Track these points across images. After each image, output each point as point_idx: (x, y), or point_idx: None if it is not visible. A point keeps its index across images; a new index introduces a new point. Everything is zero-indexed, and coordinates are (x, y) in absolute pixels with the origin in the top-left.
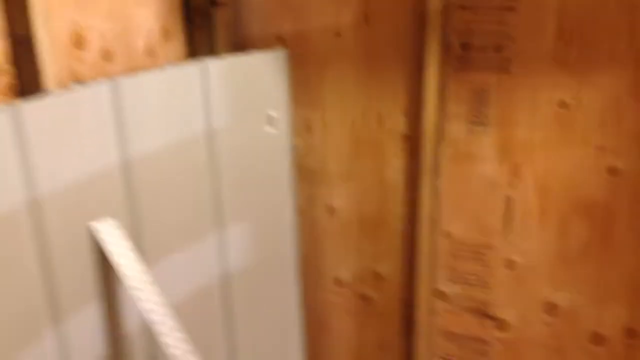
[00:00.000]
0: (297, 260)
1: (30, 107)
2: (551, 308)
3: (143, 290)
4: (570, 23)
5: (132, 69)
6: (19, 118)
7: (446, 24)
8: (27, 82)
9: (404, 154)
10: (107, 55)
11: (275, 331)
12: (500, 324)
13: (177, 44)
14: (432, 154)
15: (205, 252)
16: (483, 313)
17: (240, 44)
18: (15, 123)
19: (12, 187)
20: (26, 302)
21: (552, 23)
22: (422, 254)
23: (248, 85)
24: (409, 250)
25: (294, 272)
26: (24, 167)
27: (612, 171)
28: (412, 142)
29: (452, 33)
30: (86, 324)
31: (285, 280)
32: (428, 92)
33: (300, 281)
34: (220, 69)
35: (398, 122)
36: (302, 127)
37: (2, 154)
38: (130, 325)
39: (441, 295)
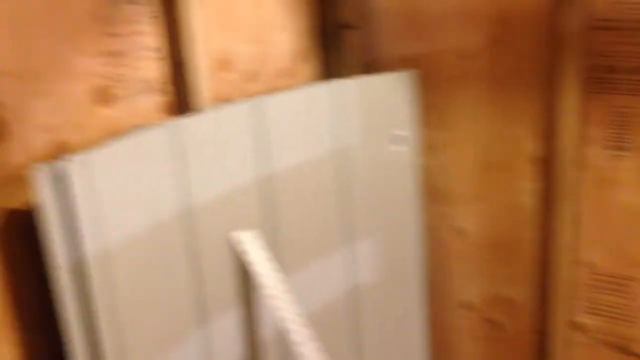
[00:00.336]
0: (423, 280)
1: (186, 123)
2: None
3: (280, 299)
4: None
5: (271, 89)
6: (176, 133)
7: (584, 46)
8: (182, 101)
9: (537, 178)
10: (249, 76)
11: (400, 350)
12: None
13: (311, 65)
14: (569, 179)
15: (334, 266)
16: (626, 349)
17: (371, 65)
18: (173, 138)
19: (171, 197)
20: (177, 303)
21: None
22: (558, 282)
23: (378, 105)
24: (543, 277)
25: (419, 292)
26: (180, 178)
27: None
28: (547, 166)
29: (591, 55)
30: (227, 328)
31: (411, 299)
32: (564, 115)
33: (426, 301)
34: (351, 89)
35: (531, 145)
36: (430, 147)
37: (163, 166)
38: (266, 332)
39: (578, 327)
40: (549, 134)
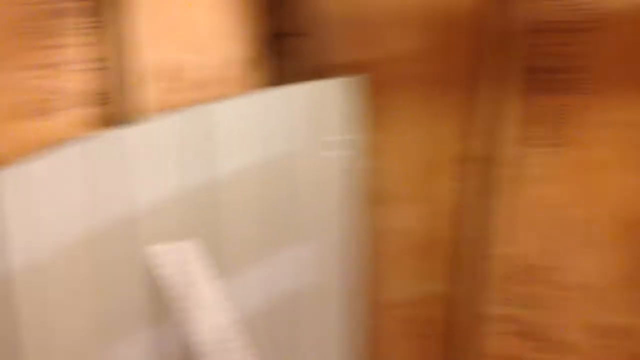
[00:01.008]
0: (360, 282)
1: (130, 133)
2: (613, 331)
3: (209, 311)
4: None
5: (218, 98)
6: (121, 143)
7: (520, 48)
8: (123, 111)
9: (467, 177)
10: (194, 85)
11: (334, 351)
12: (559, 347)
13: (261, 73)
14: (499, 177)
15: (273, 271)
16: (540, 337)
17: (322, 72)
18: (118, 148)
19: (114, 205)
20: (94, 320)
21: (631, 44)
22: (469, 275)
23: (322, 110)
24: (462, 273)
25: (356, 293)
26: (123, 188)
27: None
28: (478, 165)
29: (520, 56)
30: (141, 346)
31: (348, 300)
32: (497, 114)
33: (359, 302)
34: (297, 96)
35: (463, 146)
36: (373, 150)
37: (106, 177)
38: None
39: (492, 318)
40: (481, 133)
